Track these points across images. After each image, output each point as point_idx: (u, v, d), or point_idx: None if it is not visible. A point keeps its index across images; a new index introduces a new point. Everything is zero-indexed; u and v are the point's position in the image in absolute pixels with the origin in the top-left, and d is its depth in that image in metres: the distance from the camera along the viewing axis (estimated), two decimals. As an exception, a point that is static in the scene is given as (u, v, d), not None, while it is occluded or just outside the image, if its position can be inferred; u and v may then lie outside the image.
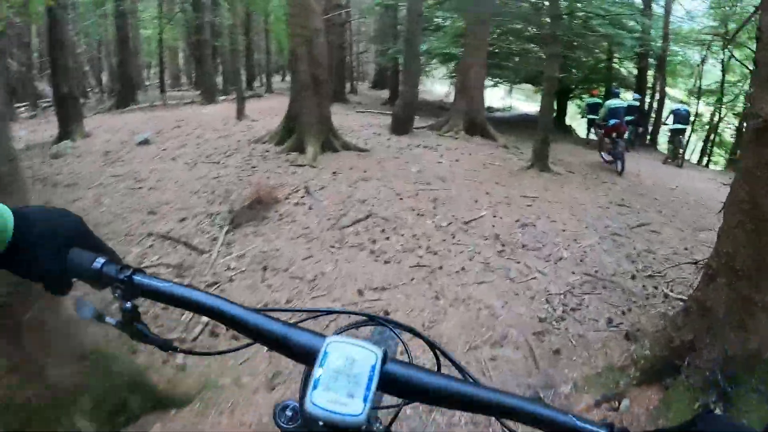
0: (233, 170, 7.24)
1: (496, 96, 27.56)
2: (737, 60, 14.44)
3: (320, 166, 7.63)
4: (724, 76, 16.31)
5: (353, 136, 9.87)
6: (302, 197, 6.18)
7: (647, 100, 16.50)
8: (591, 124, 13.38)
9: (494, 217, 5.96)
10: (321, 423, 0.51)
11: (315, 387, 0.52)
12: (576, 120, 19.70)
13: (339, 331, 0.77)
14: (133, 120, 12.15)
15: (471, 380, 0.64)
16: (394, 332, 0.85)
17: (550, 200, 6.87)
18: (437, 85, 27.52)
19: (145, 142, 9.25)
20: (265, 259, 4.64)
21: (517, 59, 17.53)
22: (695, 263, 4.78)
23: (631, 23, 14.71)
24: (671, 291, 4.42)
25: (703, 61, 16.54)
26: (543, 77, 10.41)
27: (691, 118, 14.29)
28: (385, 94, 20.70)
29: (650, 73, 16.81)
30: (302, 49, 8.20)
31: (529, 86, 22.63)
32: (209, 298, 0.65)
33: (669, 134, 12.89)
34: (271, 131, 9.44)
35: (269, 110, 12.63)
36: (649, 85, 16.93)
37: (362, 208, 5.92)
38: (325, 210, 5.82)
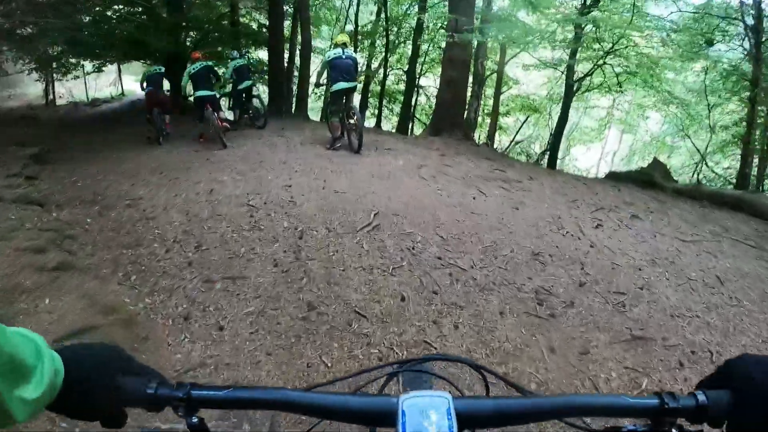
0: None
1: (105, 82, 21.77)
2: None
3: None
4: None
5: None
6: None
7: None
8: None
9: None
10: None
11: None
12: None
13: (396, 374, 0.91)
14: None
15: (528, 393, 0.75)
16: (433, 374, 0.97)
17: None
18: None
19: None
20: None
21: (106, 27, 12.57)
22: None
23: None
24: None
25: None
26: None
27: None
28: None
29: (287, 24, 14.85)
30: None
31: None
32: (270, 393, 0.67)
33: (330, 99, 9.93)
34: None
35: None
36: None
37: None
38: None
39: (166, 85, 11.53)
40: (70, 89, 20.75)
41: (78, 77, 17.58)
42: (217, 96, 9.52)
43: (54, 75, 17.86)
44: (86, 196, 5.91)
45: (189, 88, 9.58)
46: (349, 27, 16.47)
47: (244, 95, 10.48)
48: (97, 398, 0.64)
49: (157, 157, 8.10)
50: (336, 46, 8.15)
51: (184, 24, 13.06)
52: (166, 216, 5.26)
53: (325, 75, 8.41)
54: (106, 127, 12.58)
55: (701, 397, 0.62)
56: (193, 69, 9.01)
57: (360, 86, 14.40)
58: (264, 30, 14.73)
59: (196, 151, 8.46)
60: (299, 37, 13.70)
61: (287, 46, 14.14)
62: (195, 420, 0.66)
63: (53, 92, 19.46)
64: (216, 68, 9.83)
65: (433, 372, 0.98)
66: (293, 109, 13.26)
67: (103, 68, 16.53)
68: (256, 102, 10.61)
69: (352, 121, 7.97)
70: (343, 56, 7.79)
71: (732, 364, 0.64)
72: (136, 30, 11.73)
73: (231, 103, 11.16)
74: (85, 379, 0.63)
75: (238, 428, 2.86)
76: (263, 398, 0.66)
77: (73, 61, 15.58)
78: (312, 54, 13.35)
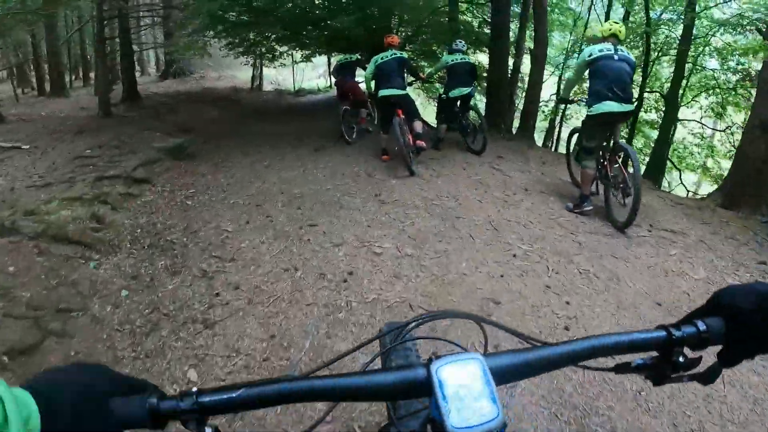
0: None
1: (315, 73, 21.27)
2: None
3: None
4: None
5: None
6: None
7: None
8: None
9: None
10: None
11: (449, 413, 0.54)
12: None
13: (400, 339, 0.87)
14: None
15: (543, 343, 0.67)
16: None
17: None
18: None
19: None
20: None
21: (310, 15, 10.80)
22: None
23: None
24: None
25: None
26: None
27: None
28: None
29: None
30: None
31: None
32: (290, 384, 0.60)
33: (584, 126, 7.23)
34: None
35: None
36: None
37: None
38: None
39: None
40: (276, 76, 20.73)
41: (284, 65, 16.94)
42: (410, 98, 6.64)
43: (262, 61, 17.44)
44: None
45: (373, 84, 6.81)
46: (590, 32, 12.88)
47: (458, 104, 7.41)
48: (88, 427, 0.52)
49: (311, 173, 5.84)
50: (600, 40, 4.85)
51: (395, 14, 10.79)
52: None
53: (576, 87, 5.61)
54: (298, 117, 11.79)
55: (701, 326, 0.64)
56: (383, 58, 6.38)
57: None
58: (486, 28, 11.89)
59: (368, 175, 5.87)
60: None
61: (512, 50, 11.04)
62: (209, 431, 0.57)
63: (261, 78, 19.36)
64: (412, 62, 6.95)
65: (432, 336, 1.10)
66: (514, 129, 10.22)
67: (312, 59, 15.57)
68: (472, 116, 7.47)
69: (620, 172, 4.63)
70: (615, 56, 4.56)
71: (721, 294, 0.67)
72: (332, 17, 9.75)
73: (438, 112, 8.28)
74: (69, 411, 0.51)
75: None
76: (283, 391, 0.59)
77: (281, 48, 14.60)
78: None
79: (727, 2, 9.93)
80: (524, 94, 11.80)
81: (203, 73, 21.12)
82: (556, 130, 14.51)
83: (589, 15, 13.85)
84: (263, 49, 14.31)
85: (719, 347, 0.66)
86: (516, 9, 11.55)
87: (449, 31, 10.11)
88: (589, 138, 4.82)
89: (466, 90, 7.10)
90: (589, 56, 4.65)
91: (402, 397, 0.63)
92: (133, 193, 5.45)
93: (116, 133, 7.93)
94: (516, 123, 12.27)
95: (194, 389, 0.59)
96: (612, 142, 4.75)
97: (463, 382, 0.56)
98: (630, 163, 4.47)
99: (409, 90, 6.92)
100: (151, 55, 24.90)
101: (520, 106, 14.79)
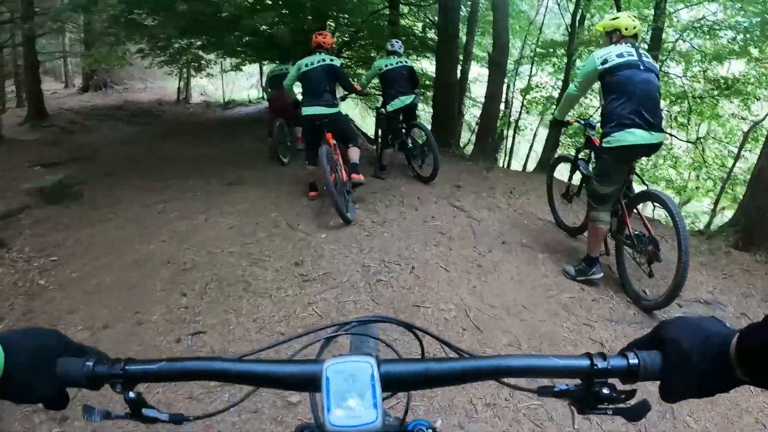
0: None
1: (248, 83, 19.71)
2: None
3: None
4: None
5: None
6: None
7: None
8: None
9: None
10: None
11: (329, 409, 0.55)
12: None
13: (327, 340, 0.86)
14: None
15: (462, 354, 0.69)
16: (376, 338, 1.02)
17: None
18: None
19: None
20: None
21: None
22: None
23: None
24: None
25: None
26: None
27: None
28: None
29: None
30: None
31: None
32: (203, 363, 0.64)
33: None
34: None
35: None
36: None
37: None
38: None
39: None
40: (206, 87, 19.18)
41: (212, 75, 15.38)
42: (344, 115, 5.26)
43: (189, 71, 15.79)
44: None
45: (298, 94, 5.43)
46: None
47: (401, 119, 5.99)
48: (37, 381, 0.62)
49: (215, 223, 4.39)
50: (616, 38, 3.45)
51: (330, 15, 9.43)
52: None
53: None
54: (222, 134, 10.36)
55: (633, 359, 0.62)
56: (307, 65, 4.87)
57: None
58: (432, 30, 10.72)
59: (290, 225, 4.36)
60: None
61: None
62: (132, 395, 0.64)
63: (188, 90, 17.63)
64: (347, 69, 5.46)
65: (376, 336, 1.01)
66: (461, 145, 9.00)
67: (242, 67, 14.35)
68: (417, 133, 6.08)
69: (644, 229, 3.36)
70: (641, 64, 3.24)
71: (663, 326, 0.63)
72: (266, 23, 8.32)
73: (376, 130, 6.84)
74: (25, 363, 0.62)
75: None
76: (195, 369, 0.64)
77: (207, 57, 13.35)
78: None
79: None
80: (478, 107, 10.75)
81: (127, 85, 19.19)
82: (507, 142, 13.36)
83: (544, 19, 12.86)
84: (188, 58, 12.83)
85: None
86: (463, 12, 10.42)
87: (390, 35, 8.84)
88: (604, 180, 3.42)
89: (407, 99, 5.71)
90: (603, 64, 3.29)
91: (298, 388, 0.63)
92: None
93: (-15, 169, 6.22)
94: (464, 138, 11.16)
95: (124, 359, 0.64)
96: (630, 184, 3.54)
97: (349, 383, 0.56)
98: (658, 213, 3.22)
99: (343, 105, 5.53)
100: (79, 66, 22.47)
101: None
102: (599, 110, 3.81)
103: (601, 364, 0.61)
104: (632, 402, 0.62)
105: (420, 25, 12.39)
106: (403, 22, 11.15)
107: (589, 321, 3.05)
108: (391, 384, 0.60)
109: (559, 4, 11.62)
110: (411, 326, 0.79)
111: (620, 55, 3.26)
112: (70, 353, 0.65)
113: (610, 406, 0.62)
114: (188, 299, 3.17)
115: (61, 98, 15.88)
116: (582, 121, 4.01)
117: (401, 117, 5.87)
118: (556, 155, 4.78)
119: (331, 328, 0.84)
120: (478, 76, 13.38)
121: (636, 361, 0.61)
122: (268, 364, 0.62)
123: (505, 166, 12.10)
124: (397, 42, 6.10)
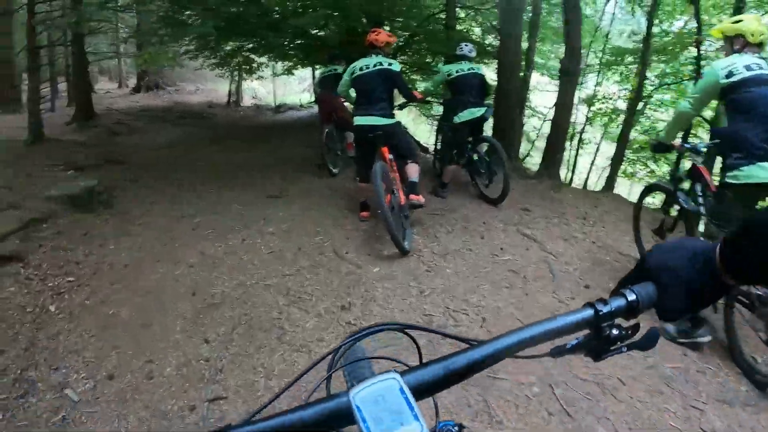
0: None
1: (297, 88, 19.37)
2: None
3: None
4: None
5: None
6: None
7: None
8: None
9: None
10: None
11: None
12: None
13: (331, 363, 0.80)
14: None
15: (470, 342, 0.66)
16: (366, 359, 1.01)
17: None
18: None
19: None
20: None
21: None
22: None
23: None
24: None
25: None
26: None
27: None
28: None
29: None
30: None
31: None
32: None
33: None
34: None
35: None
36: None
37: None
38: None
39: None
40: (258, 90, 19.00)
41: (263, 77, 15.12)
42: (403, 127, 4.65)
43: (240, 74, 15.57)
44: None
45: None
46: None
47: (470, 134, 5.23)
48: None
49: (251, 245, 3.84)
50: (740, 45, 2.76)
51: (385, 15, 8.81)
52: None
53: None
54: (271, 139, 9.62)
55: (630, 296, 0.64)
56: (362, 68, 4.26)
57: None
58: (494, 38, 9.97)
59: (337, 253, 3.77)
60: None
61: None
62: None
63: (239, 92, 17.42)
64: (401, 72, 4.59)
65: (372, 356, 1.00)
66: (520, 160, 8.23)
67: (293, 71, 13.82)
68: (484, 149, 5.31)
69: None
70: None
71: (647, 257, 0.66)
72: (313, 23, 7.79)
73: (437, 145, 6.17)
74: None
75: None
76: None
77: (259, 60, 12.90)
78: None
79: None
80: (537, 117, 9.98)
81: (179, 87, 19.21)
82: (571, 158, 12.19)
83: (611, 24, 11.90)
84: (239, 60, 12.52)
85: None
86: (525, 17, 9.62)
87: (446, 40, 8.19)
88: (723, 221, 2.75)
89: (478, 112, 5.03)
90: (728, 77, 2.63)
91: (333, 427, 0.58)
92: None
93: (18, 170, 5.89)
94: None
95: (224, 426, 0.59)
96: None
97: (381, 405, 0.54)
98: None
99: (400, 115, 4.91)
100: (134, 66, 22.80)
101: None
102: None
103: (604, 308, 0.62)
104: (639, 336, 0.63)
105: (477, 29, 11.70)
106: (459, 26, 10.47)
107: (698, 402, 2.31)
108: (420, 392, 0.58)
109: (632, 10, 10.68)
110: (403, 326, 0.75)
111: (749, 68, 2.60)
112: None
113: (623, 344, 0.63)
114: (210, 348, 2.60)
115: (113, 98, 15.89)
116: (688, 145, 3.24)
117: (468, 130, 5.21)
118: (648, 184, 3.96)
119: (320, 363, 0.71)
120: (537, 84, 12.58)
121: (633, 296, 0.63)
122: (292, 414, 0.58)
123: (567, 182, 11.21)
124: (467, 45, 5.44)
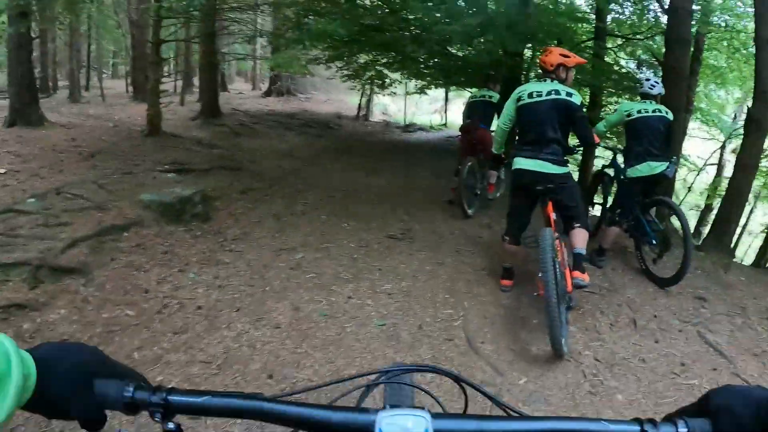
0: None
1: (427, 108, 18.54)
2: None
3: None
4: None
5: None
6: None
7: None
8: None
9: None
10: None
11: None
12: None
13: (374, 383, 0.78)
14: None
15: (510, 412, 0.65)
16: (417, 387, 0.87)
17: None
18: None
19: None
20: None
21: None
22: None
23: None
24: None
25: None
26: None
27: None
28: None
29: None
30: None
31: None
32: (251, 402, 0.59)
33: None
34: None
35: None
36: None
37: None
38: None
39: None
40: (388, 106, 18.58)
41: (395, 93, 14.57)
42: (573, 183, 3.42)
43: (372, 88, 15.15)
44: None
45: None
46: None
47: (643, 192, 4.09)
48: (73, 401, 0.57)
49: (355, 310, 2.97)
50: None
51: (529, 36, 7.53)
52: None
53: None
54: (397, 160, 8.85)
55: (682, 427, 0.57)
56: (532, 96, 3.22)
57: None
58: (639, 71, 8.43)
59: (471, 344, 2.75)
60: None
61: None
62: (171, 426, 0.59)
63: (369, 107, 17.03)
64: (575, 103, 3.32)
65: (415, 385, 0.92)
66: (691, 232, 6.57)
67: (426, 91, 13.74)
68: (658, 213, 4.35)
69: None
70: None
71: (713, 394, 0.59)
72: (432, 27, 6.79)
73: (610, 207, 4.46)
74: (60, 381, 0.57)
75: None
76: (241, 407, 0.59)
77: (392, 75, 12.62)
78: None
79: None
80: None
81: (310, 95, 19.28)
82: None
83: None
84: (371, 74, 12.10)
85: None
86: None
87: (594, 71, 6.86)
88: None
89: (658, 167, 3.82)
90: None
91: None
92: (31, 303, 2.81)
93: (120, 166, 5.42)
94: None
95: (166, 388, 0.59)
96: None
97: None
98: None
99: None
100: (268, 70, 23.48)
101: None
102: None
103: (651, 430, 0.57)
104: None
105: (628, 61, 10.10)
106: (608, 58, 8.99)
107: None
108: None
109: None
110: (458, 377, 0.73)
111: None
112: (108, 373, 0.60)
113: None
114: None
115: (243, 99, 16.15)
116: None
117: (642, 187, 3.93)
118: None
119: (372, 375, 0.76)
120: (690, 131, 10.70)
121: (685, 428, 0.57)
122: (318, 408, 0.58)
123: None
124: (654, 79, 4.19)
